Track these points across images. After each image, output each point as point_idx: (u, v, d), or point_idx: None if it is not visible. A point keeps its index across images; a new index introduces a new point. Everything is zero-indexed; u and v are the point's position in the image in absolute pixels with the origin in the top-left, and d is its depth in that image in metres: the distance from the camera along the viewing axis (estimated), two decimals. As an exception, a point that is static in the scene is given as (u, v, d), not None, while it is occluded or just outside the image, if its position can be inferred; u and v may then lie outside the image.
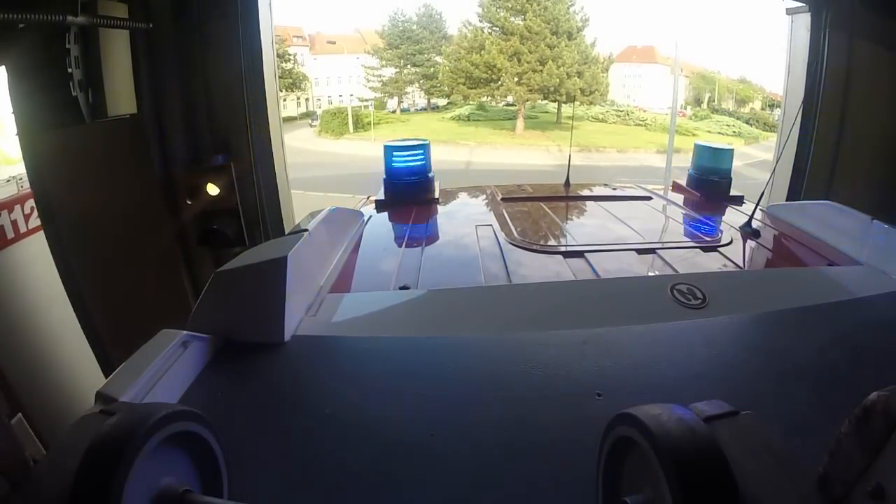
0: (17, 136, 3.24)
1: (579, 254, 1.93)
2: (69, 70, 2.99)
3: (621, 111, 29.92)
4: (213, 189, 3.69)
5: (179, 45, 3.56)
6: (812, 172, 4.00)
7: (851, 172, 3.87)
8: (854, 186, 3.74)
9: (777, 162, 3.65)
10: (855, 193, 3.58)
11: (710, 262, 1.93)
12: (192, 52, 3.59)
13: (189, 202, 3.71)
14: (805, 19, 4.02)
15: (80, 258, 3.51)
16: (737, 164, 3.22)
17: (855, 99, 3.84)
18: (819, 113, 3.93)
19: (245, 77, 3.66)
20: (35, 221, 3.52)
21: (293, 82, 30.63)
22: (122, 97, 3.32)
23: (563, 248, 2.04)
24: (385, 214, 2.71)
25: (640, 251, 1.97)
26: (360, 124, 28.57)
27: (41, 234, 3.46)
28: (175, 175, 3.71)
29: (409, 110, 32.30)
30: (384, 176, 2.97)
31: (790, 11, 4.20)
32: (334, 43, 31.87)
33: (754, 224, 2.22)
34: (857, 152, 3.87)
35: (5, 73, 3.02)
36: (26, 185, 3.48)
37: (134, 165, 3.58)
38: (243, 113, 3.72)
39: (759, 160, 20.20)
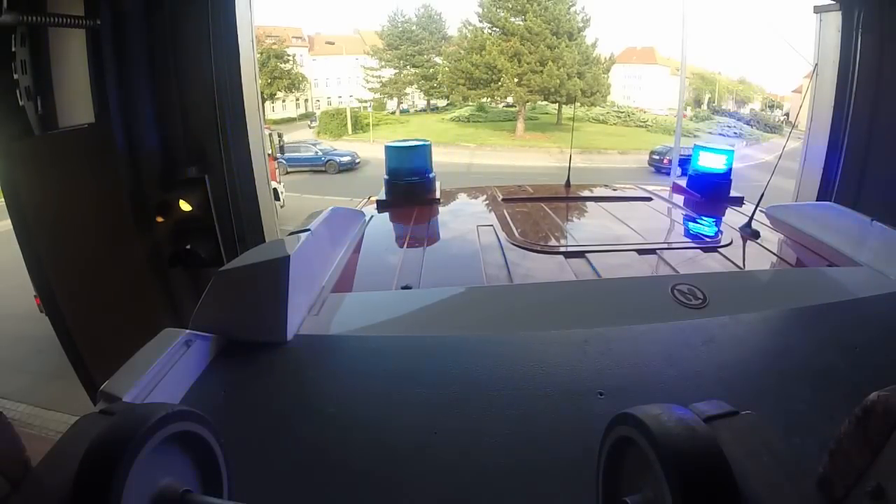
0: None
1: (580, 254, 1.93)
2: (15, 76, 2.67)
3: (622, 112, 29.87)
4: (185, 205, 3.33)
5: (146, 45, 3.22)
6: (844, 175, 3.82)
7: (883, 175, 3.70)
8: (886, 189, 3.60)
9: (804, 163, 3.56)
10: (888, 197, 3.48)
11: (711, 263, 1.93)
12: (162, 54, 3.26)
13: (159, 220, 3.31)
14: (834, 18, 3.83)
15: (50, 278, 3.22)
16: (738, 165, 3.21)
17: (887, 100, 3.67)
18: (851, 114, 3.75)
19: (217, 81, 3.30)
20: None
21: (292, 83, 30.62)
22: (78, 105, 2.96)
23: (564, 249, 2.04)
24: (386, 214, 2.71)
25: (640, 251, 1.97)
26: (360, 125, 28.51)
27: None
28: (143, 190, 3.33)
29: (408, 111, 32.26)
30: (385, 176, 2.98)
31: (818, 10, 4.02)
32: (333, 44, 31.83)
33: (754, 225, 2.22)
34: (889, 155, 3.69)
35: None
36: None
37: (95, 180, 3.21)
38: (219, 121, 3.37)
39: (761, 161, 20.14)
